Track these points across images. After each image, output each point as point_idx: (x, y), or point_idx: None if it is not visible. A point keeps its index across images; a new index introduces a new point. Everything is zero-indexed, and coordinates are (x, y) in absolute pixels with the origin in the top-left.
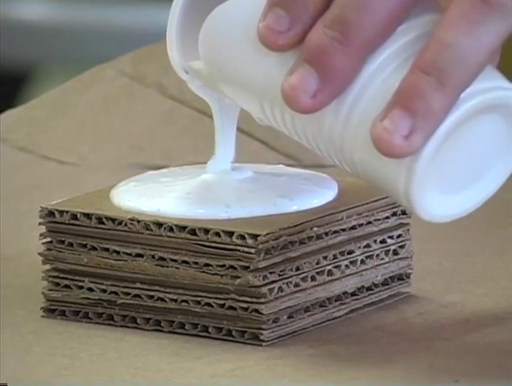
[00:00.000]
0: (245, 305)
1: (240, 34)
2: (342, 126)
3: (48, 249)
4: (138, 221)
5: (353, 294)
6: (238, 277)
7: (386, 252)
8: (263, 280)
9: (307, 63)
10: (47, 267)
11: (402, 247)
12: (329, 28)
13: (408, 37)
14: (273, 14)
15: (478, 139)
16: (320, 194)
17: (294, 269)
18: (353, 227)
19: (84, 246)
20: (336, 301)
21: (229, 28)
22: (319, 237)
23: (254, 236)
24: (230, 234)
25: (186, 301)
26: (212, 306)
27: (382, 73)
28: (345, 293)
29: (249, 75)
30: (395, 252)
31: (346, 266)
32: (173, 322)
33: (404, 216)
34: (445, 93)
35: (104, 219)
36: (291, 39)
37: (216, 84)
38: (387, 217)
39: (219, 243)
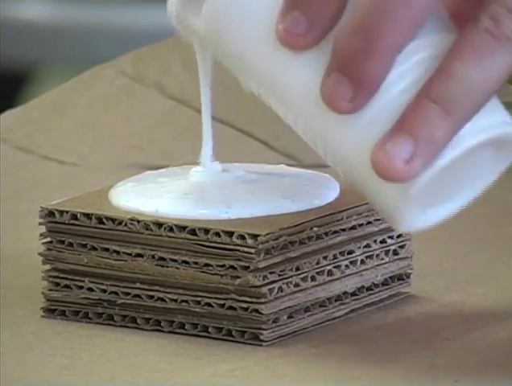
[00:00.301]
0: (245, 305)
1: (250, 23)
2: (341, 128)
3: (48, 249)
4: (138, 221)
5: (353, 294)
6: (238, 277)
7: (386, 252)
8: (263, 280)
9: (338, 71)
10: (47, 267)
11: (402, 247)
12: (355, 35)
13: (419, 56)
14: (290, 17)
15: (467, 163)
16: (322, 195)
17: (294, 269)
18: (353, 227)
19: (84, 246)
20: (336, 301)
21: (237, 12)
22: (319, 237)
23: (254, 236)
24: (230, 234)
25: (186, 301)
26: (212, 306)
27: (389, 92)
28: (345, 293)
29: (251, 60)
30: (395, 252)
31: (346, 266)
32: (173, 322)
33: None
34: (450, 122)
35: (104, 219)
36: (310, 40)
37: (213, 48)
38: None
39: (219, 243)
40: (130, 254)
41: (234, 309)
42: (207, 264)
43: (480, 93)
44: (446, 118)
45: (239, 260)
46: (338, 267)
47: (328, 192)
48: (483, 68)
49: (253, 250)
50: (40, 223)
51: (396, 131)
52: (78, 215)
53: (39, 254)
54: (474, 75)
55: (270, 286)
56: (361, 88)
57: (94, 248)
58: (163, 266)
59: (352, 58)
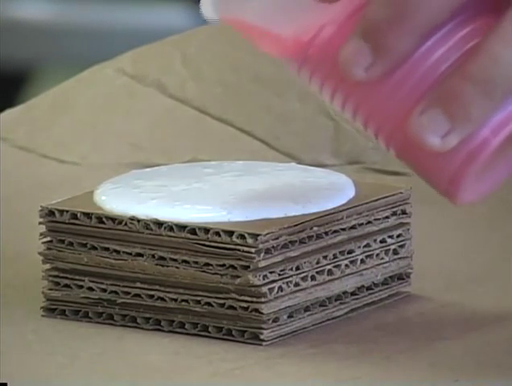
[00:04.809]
0: (245, 305)
1: None
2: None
3: (48, 249)
4: (139, 220)
5: (352, 294)
6: (238, 277)
7: (386, 252)
8: (263, 279)
9: (362, 38)
10: (47, 266)
11: (402, 246)
12: (386, 7)
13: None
14: None
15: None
16: (335, 198)
17: (294, 269)
18: (353, 227)
19: (85, 245)
20: (336, 300)
21: None
22: (319, 237)
23: (254, 236)
24: (230, 233)
25: (186, 301)
26: (212, 306)
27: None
28: (345, 292)
29: None
30: (395, 252)
31: (346, 266)
32: (173, 321)
33: (404, 216)
34: (487, 104)
35: (104, 219)
36: None
37: None
38: (387, 217)
39: (219, 242)
40: (130, 253)
41: (234, 308)
42: (207, 264)
43: None
44: (484, 100)
45: (239, 259)
46: (338, 266)
47: (341, 195)
48: None
49: (253, 249)
50: (40, 223)
51: (433, 105)
52: (78, 215)
53: (39, 253)
54: None
55: (270, 286)
56: (382, 57)
57: (94, 248)
58: (163, 265)
59: (379, 27)
